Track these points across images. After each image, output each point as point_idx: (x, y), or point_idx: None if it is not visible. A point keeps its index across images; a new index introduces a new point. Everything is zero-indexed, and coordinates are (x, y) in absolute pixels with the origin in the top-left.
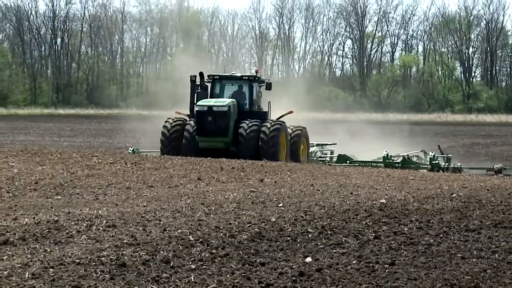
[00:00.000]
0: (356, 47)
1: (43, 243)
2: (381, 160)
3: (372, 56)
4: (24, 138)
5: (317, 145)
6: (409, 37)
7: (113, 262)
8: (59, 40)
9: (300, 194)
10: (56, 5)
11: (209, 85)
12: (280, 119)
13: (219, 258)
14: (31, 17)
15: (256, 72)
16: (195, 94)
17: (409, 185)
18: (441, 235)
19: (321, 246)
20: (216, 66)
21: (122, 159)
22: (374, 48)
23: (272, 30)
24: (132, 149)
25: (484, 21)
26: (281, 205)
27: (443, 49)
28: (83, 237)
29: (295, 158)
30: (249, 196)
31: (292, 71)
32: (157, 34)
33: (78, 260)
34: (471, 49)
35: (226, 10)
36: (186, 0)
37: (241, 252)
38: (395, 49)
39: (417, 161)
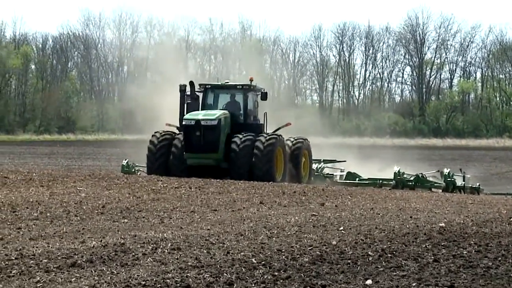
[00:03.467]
0: (415, 74)
1: (110, 265)
2: (392, 178)
3: (431, 83)
4: (92, 163)
5: (324, 161)
6: (467, 64)
7: (178, 284)
8: (125, 67)
9: (360, 218)
10: (123, 34)
11: (200, 95)
12: (276, 132)
13: (281, 281)
14: (99, 45)
15: (251, 80)
16: (185, 105)
17: (468, 209)
18: (500, 258)
19: (381, 269)
20: (278, 93)
21: (187, 183)
22: (433, 75)
23: (332, 57)
24: (126, 161)
25: None
26: (341, 228)
27: (501, 76)
28: (148, 259)
29: (295, 173)
30: (310, 220)
31: (353, 98)
32: (220, 61)
33: (144, 282)
34: None
35: (287, 38)
36: (249, 28)
37: (302, 274)
38: (454, 76)
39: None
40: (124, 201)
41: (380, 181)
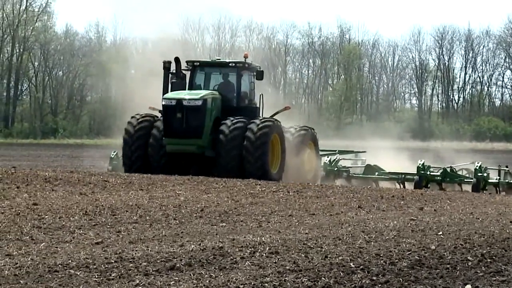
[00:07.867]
0: None
1: (208, 269)
2: (416, 172)
3: None
4: None
5: (340, 152)
6: None
7: None
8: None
9: (459, 223)
10: (222, 38)
11: (188, 73)
12: (273, 117)
13: (379, 285)
14: (198, 50)
15: (245, 57)
16: (170, 85)
17: None
18: None
19: (480, 274)
20: (377, 97)
21: (285, 188)
22: None
23: (432, 61)
24: (115, 153)
25: None
26: (440, 233)
27: None
28: (246, 263)
29: (297, 168)
30: (409, 224)
31: (452, 102)
32: (319, 65)
33: (242, 286)
34: None
35: (386, 42)
36: (348, 32)
37: (401, 279)
38: None
39: (467, 174)
40: (222, 204)
41: (403, 175)
